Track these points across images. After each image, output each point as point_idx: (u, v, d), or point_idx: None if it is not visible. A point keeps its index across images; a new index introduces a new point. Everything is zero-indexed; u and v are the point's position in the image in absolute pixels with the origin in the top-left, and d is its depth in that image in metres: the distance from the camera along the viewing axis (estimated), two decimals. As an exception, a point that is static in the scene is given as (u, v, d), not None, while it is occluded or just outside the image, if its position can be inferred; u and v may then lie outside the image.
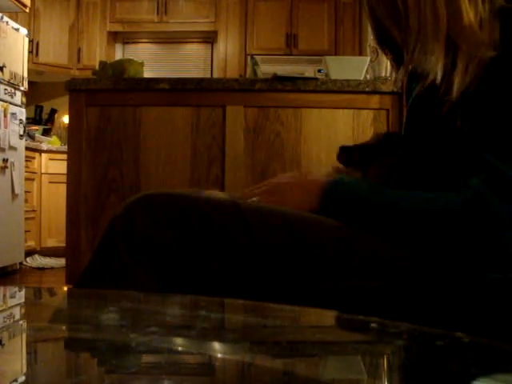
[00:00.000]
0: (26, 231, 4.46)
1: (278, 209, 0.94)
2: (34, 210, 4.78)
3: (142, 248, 0.87)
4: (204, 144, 2.32)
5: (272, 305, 0.69)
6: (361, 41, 5.26)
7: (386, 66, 2.41)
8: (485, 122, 0.87)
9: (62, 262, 4.26)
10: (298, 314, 0.71)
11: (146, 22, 5.61)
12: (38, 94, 5.64)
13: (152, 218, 0.88)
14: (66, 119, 5.44)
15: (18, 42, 4.28)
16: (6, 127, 3.99)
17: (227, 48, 5.56)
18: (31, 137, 5.03)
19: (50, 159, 4.97)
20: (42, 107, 5.77)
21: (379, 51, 2.35)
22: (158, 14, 5.58)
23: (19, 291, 0.86)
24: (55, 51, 5.53)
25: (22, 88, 4.32)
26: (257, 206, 0.93)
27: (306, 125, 2.29)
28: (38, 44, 5.41)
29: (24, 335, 0.58)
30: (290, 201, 0.96)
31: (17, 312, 0.69)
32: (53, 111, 5.76)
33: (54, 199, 4.91)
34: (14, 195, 4.13)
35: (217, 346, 0.52)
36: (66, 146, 2.47)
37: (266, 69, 4.96)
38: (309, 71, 4.77)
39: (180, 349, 0.52)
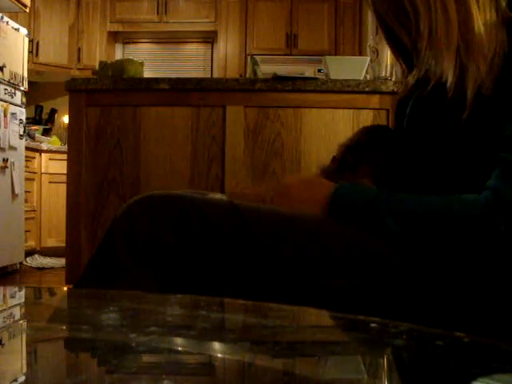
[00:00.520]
0: (26, 231, 4.46)
1: (276, 209, 0.94)
2: (34, 210, 4.78)
3: (142, 249, 0.87)
4: (204, 144, 2.32)
5: (272, 305, 0.69)
6: (361, 41, 5.26)
7: (385, 65, 2.41)
8: (499, 123, 0.87)
9: (62, 261, 4.26)
10: (297, 314, 0.71)
11: (146, 22, 5.61)
12: (38, 94, 5.64)
13: (152, 219, 0.88)
14: (66, 119, 5.45)
15: (18, 42, 4.28)
16: (5, 127, 3.99)
17: (227, 48, 5.56)
18: (31, 137, 5.03)
19: (50, 159, 4.97)
20: (42, 107, 5.77)
21: (379, 51, 2.35)
22: (158, 13, 5.58)
23: (19, 291, 0.86)
24: (55, 51, 5.53)
25: (21, 88, 4.32)
26: (256, 207, 0.93)
27: (305, 125, 2.29)
28: (38, 44, 5.41)
29: (24, 335, 0.58)
30: (299, 203, 0.96)
31: (17, 312, 0.69)
32: (53, 111, 5.76)
33: (54, 199, 4.91)
34: (14, 195, 4.13)
35: (217, 346, 0.52)
36: (66, 146, 2.47)
37: (266, 69, 4.96)
38: (309, 71, 4.77)
39: (180, 349, 0.52)
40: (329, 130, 2.27)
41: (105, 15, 5.65)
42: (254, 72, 2.82)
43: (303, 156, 2.27)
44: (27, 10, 4.72)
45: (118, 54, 5.93)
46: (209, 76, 5.71)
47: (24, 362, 0.49)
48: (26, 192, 4.44)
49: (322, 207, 0.94)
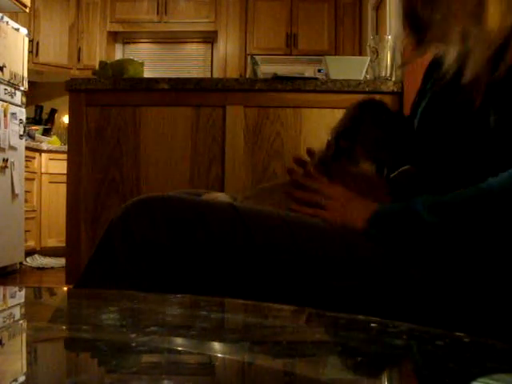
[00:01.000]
0: (26, 231, 4.46)
1: (275, 210, 0.94)
2: (34, 210, 4.78)
3: (141, 250, 0.87)
4: (204, 144, 2.32)
5: (272, 305, 0.69)
6: (361, 41, 5.26)
7: (385, 66, 2.40)
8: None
9: (62, 261, 4.26)
10: (297, 314, 0.71)
11: (146, 22, 5.61)
12: (38, 94, 5.63)
13: (150, 220, 0.88)
14: (66, 119, 5.45)
15: (18, 42, 4.28)
16: (6, 127, 3.99)
17: (227, 48, 5.56)
18: (31, 137, 5.03)
19: (50, 159, 4.97)
20: (42, 107, 5.76)
21: (379, 51, 2.35)
22: (158, 13, 5.58)
23: (19, 291, 0.86)
24: (55, 51, 5.53)
25: (22, 88, 4.32)
26: (254, 208, 0.93)
27: (305, 125, 2.29)
28: (38, 44, 5.41)
29: (24, 335, 0.58)
30: (342, 220, 0.96)
31: (17, 312, 0.69)
32: (53, 111, 5.76)
33: (54, 199, 4.91)
34: (13, 195, 4.13)
35: (217, 346, 0.52)
36: (66, 146, 2.47)
37: (266, 69, 4.96)
38: (309, 71, 4.77)
39: (180, 349, 0.52)
40: (329, 129, 2.26)
41: (105, 15, 5.65)
42: (254, 72, 2.82)
43: (303, 146, 2.27)
44: (27, 10, 4.72)
45: (118, 54, 5.93)
46: (209, 76, 5.71)
47: (24, 362, 0.49)
48: (26, 192, 4.44)
49: (362, 226, 0.94)
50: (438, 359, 0.49)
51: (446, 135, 0.90)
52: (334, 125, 1.14)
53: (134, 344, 0.50)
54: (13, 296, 0.78)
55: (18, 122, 4.19)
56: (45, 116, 5.78)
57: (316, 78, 2.33)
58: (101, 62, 2.61)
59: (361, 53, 5.17)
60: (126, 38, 5.94)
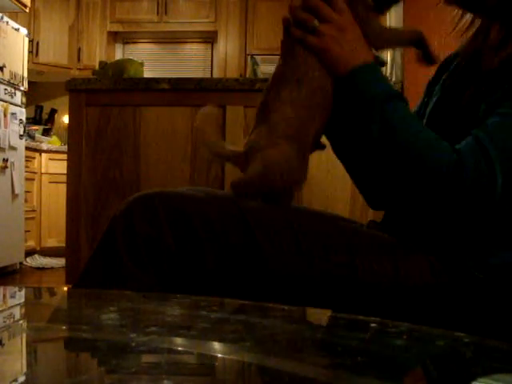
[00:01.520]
0: (26, 231, 4.46)
1: (278, 208, 0.94)
2: (33, 210, 4.78)
3: (143, 248, 0.87)
4: (204, 144, 2.32)
5: (272, 305, 0.69)
6: (361, 41, 5.25)
7: (386, 66, 2.40)
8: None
9: (62, 261, 4.26)
10: (297, 314, 0.71)
11: (146, 22, 5.61)
12: (38, 94, 5.63)
13: (152, 216, 0.88)
14: (66, 119, 5.44)
15: (18, 42, 4.28)
16: (6, 127, 3.99)
17: (227, 48, 5.56)
18: (31, 137, 5.03)
19: (50, 159, 4.97)
20: (42, 107, 5.77)
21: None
22: (158, 13, 5.58)
23: (19, 291, 0.86)
24: (55, 51, 5.53)
25: (22, 88, 4.32)
26: (257, 205, 0.93)
27: (306, 125, 2.29)
28: (38, 44, 5.41)
29: (24, 335, 0.58)
30: (336, 52, 0.93)
31: (17, 312, 0.69)
32: (53, 111, 5.76)
33: (54, 199, 4.91)
34: (13, 195, 4.13)
35: (217, 345, 0.52)
36: (66, 146, 2.47)
37: (266, 69, 4.96)
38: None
39: (180, 349, 0.52)
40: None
41: (105, 15, 5.65)
42: (254, 72, 2.83)
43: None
44: (27, 10, 4.72)
45: (118, 54, 5.93)
46: (209, 76, 5.71)
47: (24, 361, 0.49)
48: (26, 192, 4.44)
49: (339, 70, 0.93)
50: (438, 359, 0.49)
51: (456, 134, 0.90)
52: None
53: (133, 344, 0.50)
54: (13, 296, 0.78)
55: (17, 121, 4.19)
56: (45, 116, 5.78)
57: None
58: (101, 62, 2.61)
59: (361, 53, 5.16)
60: (126, 38, 5.94)
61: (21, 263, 4.41)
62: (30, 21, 5.31)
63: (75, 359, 0.51)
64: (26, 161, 4.47)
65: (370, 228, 1.04)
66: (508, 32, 0.93)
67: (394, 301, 0.89)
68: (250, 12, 5.49)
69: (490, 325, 0.88)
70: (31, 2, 4.80)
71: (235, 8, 5.50)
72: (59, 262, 4.46)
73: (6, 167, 4.00)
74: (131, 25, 5.65)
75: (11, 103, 4.13)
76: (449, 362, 0.49)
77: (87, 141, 2.34)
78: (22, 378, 0.43)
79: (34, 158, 4.79)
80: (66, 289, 1.43)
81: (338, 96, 0.95)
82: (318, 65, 0.94)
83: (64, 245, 2.43)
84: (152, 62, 5.57)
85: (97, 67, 2.63)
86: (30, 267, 4.49)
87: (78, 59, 5.61)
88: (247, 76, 5.21)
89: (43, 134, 5.41)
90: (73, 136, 2.36)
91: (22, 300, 0.76)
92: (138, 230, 0.88)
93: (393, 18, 3.00)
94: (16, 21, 4.45)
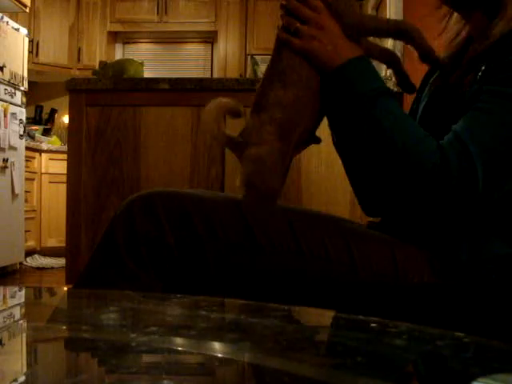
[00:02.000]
0: (26, 231, 4.46)
1: (278, 208, 0.94)
2: (34, 210, 4.78)
3: (143, 247, 0.87)
4: (204, 144, 2.32)
5: (272, 305, 0.69)
6: (361, 41, 5.25)
7: (385, 65, 2.40)
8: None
9: (62, 261, 4.26)
10: (297, 314, 0.71)
11: (146, 22, 5.61)
12: (38, 94, 5.63)
13: (152, 217, 0.88)
14: (66, 119, 5.45)
15: (18, 42, 4.28)
16: (6, 127, 3.99)
17: (227, 48, 5.55)
18: (31, 137, 5.03)
19: (50, 159, 4.97)
20: (42, 107, 5.76)
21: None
22: (158, 13, 5.58)
23: (19, 291, 0.86)
24: (55, 51, 5.53)
25: (22, 88, 4.32)
26: (257, 206, 0.93)
27: (306, 125, 2.29)
28: (38, 44, 5.41)
29: (24, 335, 0.58)
30: (319, 50, 0.94)
31: (17, 312, 0.69)
32: (53, 111, 5.76)
33: (54, 199, 4.91)
34: (14, 195, 4.13)
35: (217, 345, 0.52)
36: (66, 146, 2.47)
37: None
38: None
39: (180, 349, 0.52)
40: (329, 129, 2.26)
41: (105, 15, 5.65)
42: (254, 72, 2.82)
43: (303, 155, 2.27)
44: (27, 10, 4.72)
45: (118, 54, 5.93)
46: (209, 76, 5.71)
47: (24, 362, 0.49)
48: (26, 192, 4.44)
49: (325, 68, 0.94)
50: (438, 359, 0.49)
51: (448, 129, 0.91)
52: None
53: (133, 344, 0.50)
54: (13, 296, 0.78)
55: (17, 122, 4.19)
56: (45, 116, 5.78)
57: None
58: (101, 62, 2.61)
59: (361, 53, 5.16)
60: (126, 38, 5.94)
61: (21, 263, 4.41)
62: (30, 21, 5.31)
63: (75, 359, 0.51)
64: (26, 161, 4.47)
65: (369, 228, 1.04)
66: (489, 21, 0.94)
67: (394, 301, 0.89)
68: (249, 12, 5.49)
69: (490, 325, 0.88)
70: (31, 2, 4.79)
71: (235, 8, 5.50)
72: (59, 261, 4.46)
73: (5, 167, 4.00)
74: (131, 25, 5.65)
75: (11, 103, 4.13)
76: (449, 362, 0.49)
77: (87, 141, 2.34)
78: (21, 378, 0.43)
79: (33, 157, 4.79)
80: (65, 289, 1.43)
81: (327, 93, 0.96)
82: (303, 65, 0.96)
83: (64, 245, 2.43)
84: (152, 61, 5.57)
85: (97, 67, 2.62)
86: (30, 267, 4.49)
87: (78, 59, 5.61)
88: (247, 76, 5.21)
89: (43, 134, 5.41)
90: (73, 136, 2.36)
91: (22, 300, 0.76)
92: (138, 229, 0.88)
93: (392, 14, 3.00)
94: (16, 21, 4.45)
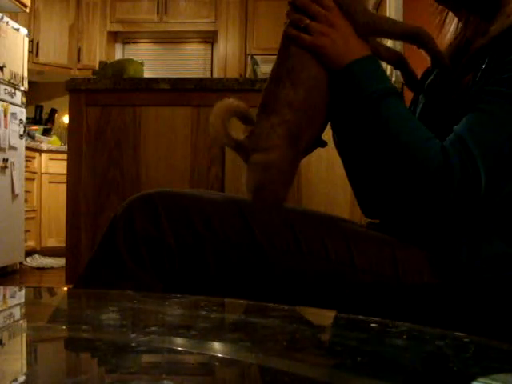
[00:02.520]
0: (26, 231, 4.46)
1: (278, 208, 0.94)
2: (34, 210, 4.77)
3: (143, 247, 0.87)
4: (204, 144, 2.32)
5: (272, 305, 0.69)
6: (361, 41, 5.25)
7: (386, 65, 2.40)
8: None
9: (62, 261, 4.26)
10: (297, 314, 0.71)
11: (146, 22, 5.61)
12: (38, 93, 5.63)
13: (153, 217, 0.88)
14: (66, 119, 5.44)
15: (18, 42, 4.28)
16: (6, 127, 3.99)
17: (227, 48, 5.55)
18: (31, 137, 5.03)
19: (50, 159, 4.97)
20: (42, 107, 5.76)
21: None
22: (158, 13, 5.58)
23: (19, 291, 0.86)
24: (55, 51, 5.53)
25: (22, 88, 4.32)
26: (258, 207, 0.93)
27: (306, 125, 2.29)
28: (38, 44, 5.41)
29: (24, 335, 0.58)
30: (329, 47, 0.94)
31: (17, 312, 0.69)
32: (53, 111, 5.76)
33: (54, 199, 4.90)
34: (14, 195, 4.13)
35: (217, 345, 0.52)
36: (66, 146, 2.47)
37: (266, 69, 4.94)
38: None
39: (180, 349, 0.52)
40: (329, 128, 2.26)
41: (105, 15, 5.64)
42: (254, 72, 2.83)
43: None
44: (27, 10, 4.72)
45: (118, 54, 5.93)
46: (209, 76, 5.71)
47: (24, 362, 0.49)
48: (26, 192, 4.44)
49: (334, 66, 0.94)
50: (438, 359, 0.49)
51: (448, 130, 0.91)
52: None
53: (133, 344, 0.50)
54: (13, 296, 0.78)
55: (18, 121, 4.19)
56: (45, 116, 5.77)
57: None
58: (101, 62, 2.61)
59: (361, 53, 5.15)
60: (126, 38, 5.94)
61: (21, 263, 4.40)
62: (30, 21, 5.31)
63: (75, 359, 0.51)
64: (26, 161, 4.47)
65: (368, 229, 1.04)
66: (487, 21, 0.95)
67: (394, 301, 0.89)
68: (249, 12, 5.49)
69: (490, 325, 0.88)
70: (31, 2, 4.79)
71: (235, 8, 5.50)
72: (59, 261, 4.46)
73: (6, 167, 4.00)
74: (131, 25, 5.65)
75: (11, 103, 4.13)
76: (449, 361, 0.49)
77: (87, 141, 2.34)
78: (22, 378, 0.43)
79: (33, 157, 4.78)
80: (65, 289, 1.43)
81: (335, 91, 0.96)
82: (312, 63, 0.95)
83: (64, 245, 2.43)
84: (152, 61, 5.57)
85: (97, 67, 2.63)
86: (30, 267, 4.49)
87: (78, 59, 5.61)
88: (247, 76, 5.21)
89: (43, 134, 5.41)
90: (73, 136, 2.36)
91: (22, 300, 0.76)
92: (138, 229, 0.88)
93: (392, 13, 3.00)
94: (16, 21, 4.44)
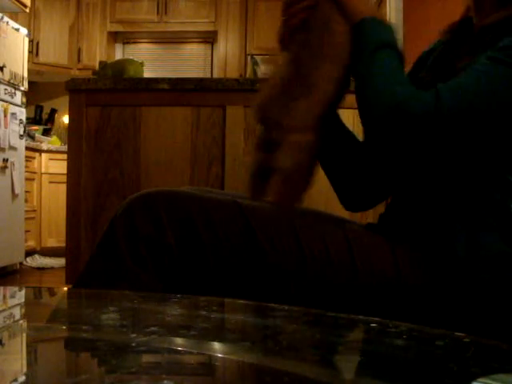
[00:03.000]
0: (26, 231, 4.46)
1: (279, 208, 0.94)
2: (34, 210, 4.77)
3: (143, 248, 0.87)
4: (204, 144, 2.32)
5: (272, 305, 0.69)
6: (361, 41, 5.25)
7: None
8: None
9: (62, 261, 4.26)
10: (297, 314, 0.71)
11: (146, 22, 5.61)
12: (38, 93, 5.63)
13: (154, 218, 0.88)
14: (66, 119, 5.44)
15: (18, 42, 4.28)
16: (6, 127, 3.99)
17: (227, 48, 5.55)
18: (31, 137, 5.03)
19: (50, 159, 4.97)
20: (42, 107, 5.76)
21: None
22: (158, 13, 5.58)
23: (19, 291, 0.86)
24: (55, 51, 5.52)
25: (22, 88, 4.32)
26: (257, 205, 0.93)
27: (306, 125, 2.29)
28: (38, 44, 5.41)
29: (24, 335, 0.58)
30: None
31: (17, 312, 0.69)
32: (53, 111, 5.76)
33: (54, 199, 4.90)
34: (14, 195, 4.13)
35: (217, 346, 0.52)
36: (66, 146, 2.47)
37: (266, 69, 4.94)
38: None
39: (180, 349, 0.52)
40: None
41: (105, 15, 5.64)
42: (254, 72, 2.82)
43: None
44: (27, 10, 4.72)
45: (118, 54, 5.93)
46: (209, 76, 5.71)
47: (24, 362, 0.49)
48: (26, 192, 4.44)
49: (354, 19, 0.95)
50: (438, 359, 0.49)
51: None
52: None
53: (133, 344, 0.50)
54: (13, 296, 0.78)
55: (18, 122, 4.19)
56: (45, 116, 5.77)
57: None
58: (101, 62, 2.60)
59: (361, 53, 5.15)
60: (126, 38, 5.94)
61: (21, 263, 4.40)
62: (30, 21, 5.31)
63: (75, 359, 0.51)
64: (26, 161, 4.47)
65: (368, 229, 1.04)
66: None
67: (394, 301, 0.89)
68: (250, 12, 5.49)
69: (490, 325, 0.88)
70: (31, 2, 4.79)
71: (235, 8, 5.50)
72: (59, 261, 4.46)
73: (5, 167, 4.00)
74: (131, 25, 5.65)
75: (11, 103, 4.12)
76: (449, 361, 0.49)
77: (87, 141, 2.34)
78: (22, 378, 0.43)
79: (33, 158, 4.78)
80: (65, 289, 1.43)
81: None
82: (342, 36, 0.95)
83: (64, 245, 2.43)
84: (152, 61, 5.57)
85: (97, 67, 2.63)
86: (30, 267, 4.49)
87: (78, 59, 5.61)
88: (247, 76, 5.21)
89: (43, 134, 5.41)
90: (73, 136, 2.36)
91: (22, 300, 0.76)
92: (139, 230, 0.88)
93: (393, 13, 3.00)
94: (16, 21, 4.44)
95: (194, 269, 0.88)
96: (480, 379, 0.43)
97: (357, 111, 0.97)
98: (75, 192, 2.33)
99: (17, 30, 4.26)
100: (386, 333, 0.58)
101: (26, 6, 4.60)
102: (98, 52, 5.62)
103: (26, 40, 4.42)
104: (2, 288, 1.14)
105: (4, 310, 0.68)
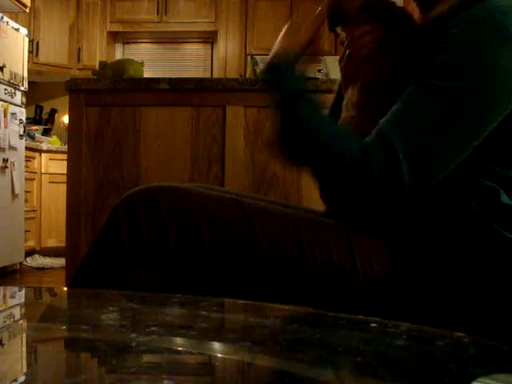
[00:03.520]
0: (26, 231, 4.46)
1: (280, 209, 0.94)
2: (34, 210, 4.77)
3: (143, 247, 0.87)
4: (204, 144, 2.32)
5: (272, 305, 0.69)
6: (361, 41, 5.25)
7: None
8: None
9: (62, 261, 4.26)
10: (297, 314, 0.71)
11: (146, 22, 5.61)
12: (38, 93, 5.63)
13: (155, 216, 0.88)
14: (66, 119, 5.44)
15: (18, 42, 4.28)
16: (6, 127, 3.99)
17: (227, 48, 5.55)
18: (31, 137, 5.03)
19: (50, 159, 4.97)
20: (41, 107, 5.76)
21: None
22: (158, 13, 5.58)
23: (19, 291, 0.86)
24: (55, 51, 5.52)
25: (22, 88, 4.32)
26: (259, 205, 0.93)
27: (306, 125, 2.29)
28: (38, 44, 5.41)
29: (24, 335, 0.58)
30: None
31: (17, 312, 0.69)
32: (53, 111, 5.76)
33: (54, 199, 4.90)
34: (14, 195, 4.13)
35: (217, 346, 0.52)
36: (66, 146, 2.47)
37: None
38: (309, 71, 4.76)
39: (180, 349, 0.52)
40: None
41: (105, 15, 5.64)
42: (254, 72, 2.82)
43: (303, 156, 2.27)
44: (27, 10, 4.72)
45: (118, 54, 5.93)
46: (209, 76, 5.71)
47: (24, 362, 0.49)
48: (26, 192, 4.44)
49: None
50: (438, 359, 0.49)
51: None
52: None
53: (134, 344, 0.50)
54: (13, 296, 0.78)
55: (17, 121, 4.19)
56: (45, 116, 5.77)
57: (316, 78, 2.33)
58: (101, 62, 2.60)
59: (361, 53, 5.15)
60: (126, 38, 5.94)
61: (21, 263, 4.40)
62: (30, 21, 5.30)
63: (75, 359, 0.51)
64: (26, 161, 4.47)
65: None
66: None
67: (394, 301, 0.89)
68: (249, 12, 5.49)
69: (490, 325, 0.88)
70: (31, 2, 4.79)
71: (235, 8, 5.50)
72: (59, 261, 4.46)
73: (6, 167, 4.00)
74: (131, 25, 5.65)
75: (11, 103, 4.12)
76: (449, 361, 0.49)
77: (87, 141, 2.34)
78: (22, 378, 0.43)
79: (33, 158, 4.78)
80: (65, 289, 1.43)
81: None
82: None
83: (64, 245, 2.43)
84: (152, 61, 5.57)
85: (97, 67, 2.62)
86: (30, 267, 4.49)
87: (78, 59, 5.61)
88: (247, 76, 5.21)
89: (43, 134, 5.41)
90: (73, 136, 2.36)
91: (22, 300, 0.76)
92: (140, 229, 0.88)
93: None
94: (16, 21, 4.44)
95: (194, 269, 0.88)
96: (480, 379, 0.43)
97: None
98: (75, 192, 2.33)
99: (17, 29, 4.26)
100: (386, 333, 0.58)
101: (25, 6, 4.60)
102: (97, 52, 5.62)
103: (26, 40, 4.42)
104: (1, 288, 1.14)
105: (4, 310, 0.68)
